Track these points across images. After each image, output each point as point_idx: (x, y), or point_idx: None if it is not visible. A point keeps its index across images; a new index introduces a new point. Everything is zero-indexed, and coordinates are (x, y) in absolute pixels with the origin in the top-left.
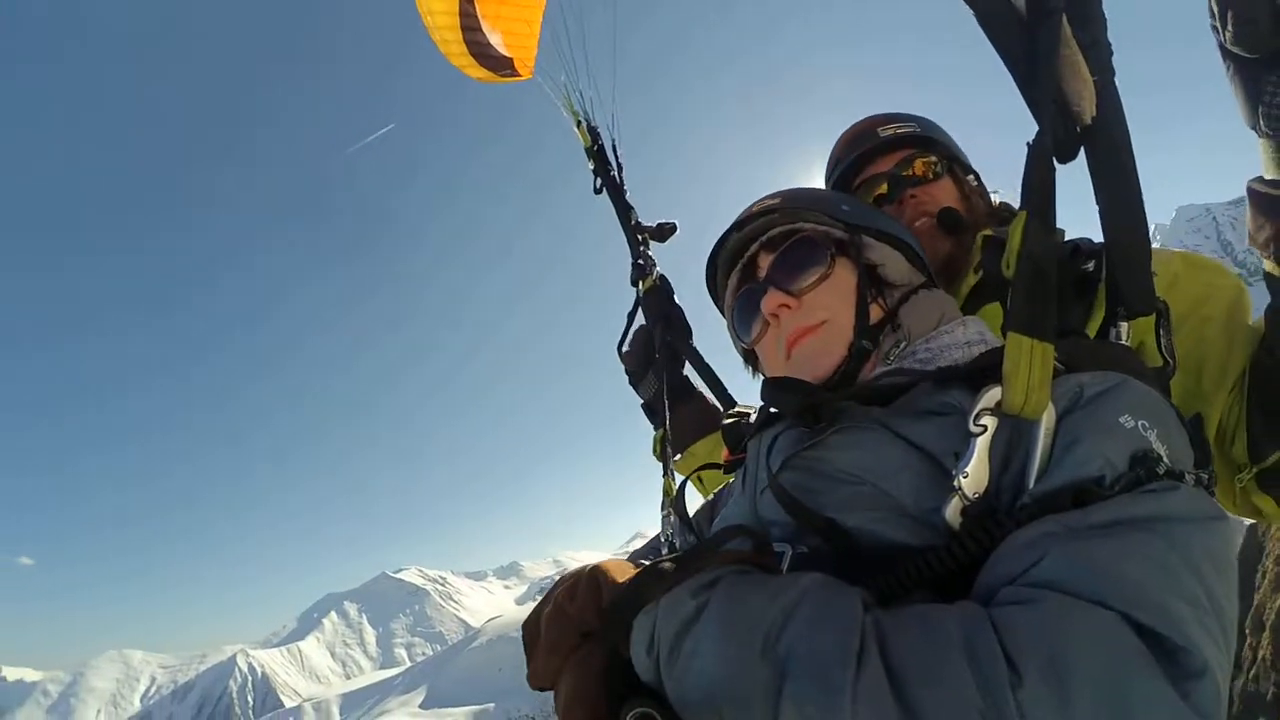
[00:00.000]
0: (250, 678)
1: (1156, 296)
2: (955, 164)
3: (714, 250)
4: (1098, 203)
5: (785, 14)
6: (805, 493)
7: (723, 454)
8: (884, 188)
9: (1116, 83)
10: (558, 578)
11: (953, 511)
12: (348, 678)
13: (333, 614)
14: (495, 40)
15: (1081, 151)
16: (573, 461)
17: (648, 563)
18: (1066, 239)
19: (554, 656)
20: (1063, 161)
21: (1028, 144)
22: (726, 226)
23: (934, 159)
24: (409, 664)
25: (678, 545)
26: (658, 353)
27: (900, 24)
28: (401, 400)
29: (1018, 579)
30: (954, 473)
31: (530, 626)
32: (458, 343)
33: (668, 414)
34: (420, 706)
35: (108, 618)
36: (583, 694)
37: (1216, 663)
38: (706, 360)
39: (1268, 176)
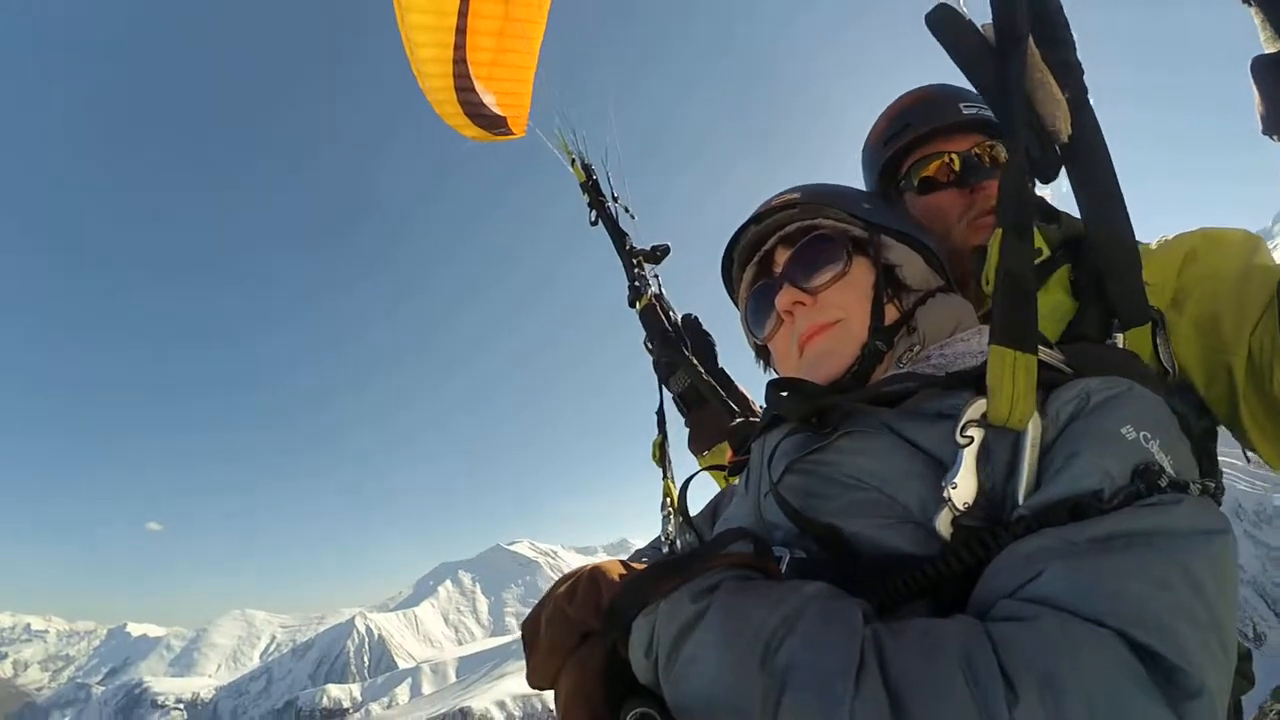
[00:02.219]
0: (367, 639)
1: (1149, 305)
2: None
3: (730, 242)
4: (1082, 218)
5: (780, 31)
6: (809, 497)
7: (727, 455)
8: (949, 163)
9: (1091, 101)
10: None
11: (943, 523)
12: (460, 643)
13: (448, 582)
14: (489, 100)
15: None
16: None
17: (648, 563)
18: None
19: (553, 656)
20: (1044, 181)
21: (1001, 163)
22: (744, 219)
23: (1001, 152)
24: (518, 634)
25: (678, 546)
26: (655, 367)
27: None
28: (520, 383)
29: (1015, 593)
30: (943, 484)
31: (530, 626)
32: (589, 329)
33: (664, 416)
34: None
35: (231, 581)
36: (582, 693)
37: (1215, 682)
38: (704, 373)
39: (1267, 50)
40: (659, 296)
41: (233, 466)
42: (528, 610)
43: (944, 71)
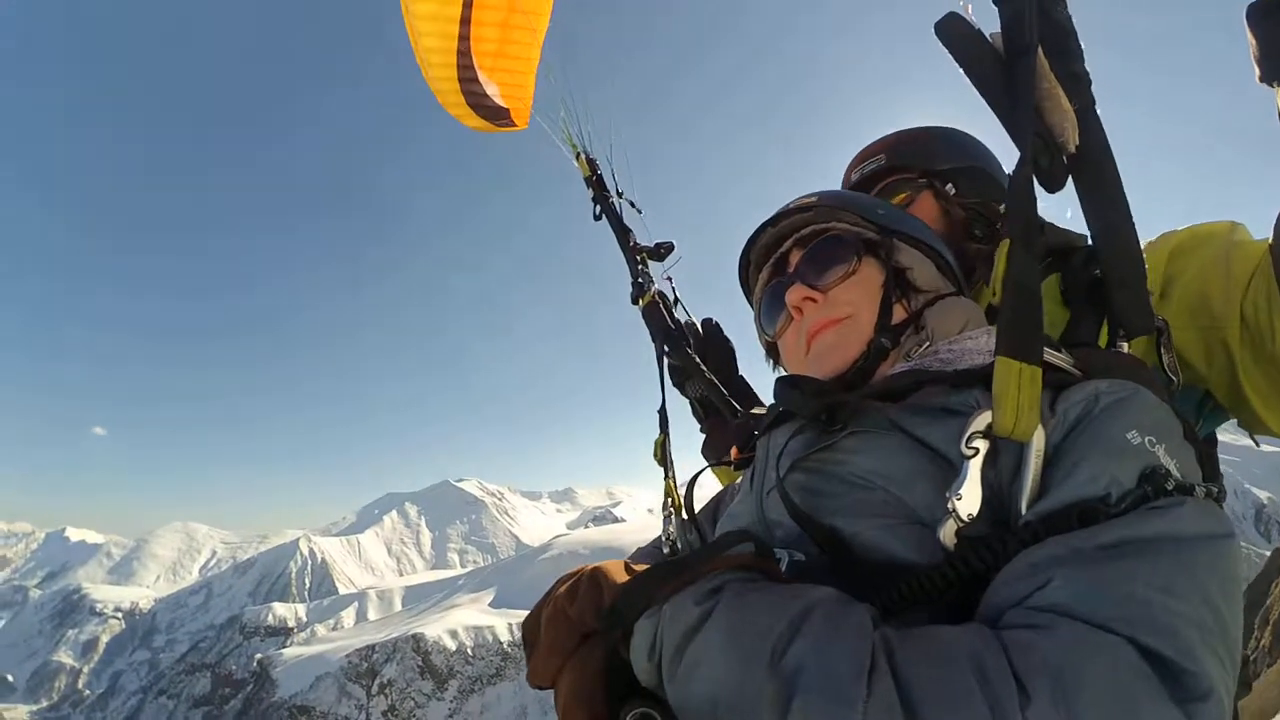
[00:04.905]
0: (310, 562)
1: (1154, 315)
2: (933, 177)
3: (747, 244)
4: (1089, 227)
5: (792, 30)
6: (813, 495)
7: (733, 453)
8: None
9: (1098, 111)
10: (609, 508)
11: (947, 533)
12: (401, 574)
13: (393, 512)
14: (492, 91)
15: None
16: (636, 396)
17: (649, 565)
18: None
19: (553, 657)
20: (1051, 191)
21: (1008, 175)
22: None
23: (904, 191)
24: (460, 569)
25: (679, 546)
26: (668, 368)
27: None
28: (487, 321)
29: (1024, 601)
30: (948, 495)
31: (530, 626)
32: (559, 272)
33: (666, 415)
34: (490, 605)
35: (173, 493)
36: (582, 694)
37: (1222, 684)
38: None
39: None
40: (662, 295)
41: (182, 377)
42: (470, 548)
43: (952, 78)
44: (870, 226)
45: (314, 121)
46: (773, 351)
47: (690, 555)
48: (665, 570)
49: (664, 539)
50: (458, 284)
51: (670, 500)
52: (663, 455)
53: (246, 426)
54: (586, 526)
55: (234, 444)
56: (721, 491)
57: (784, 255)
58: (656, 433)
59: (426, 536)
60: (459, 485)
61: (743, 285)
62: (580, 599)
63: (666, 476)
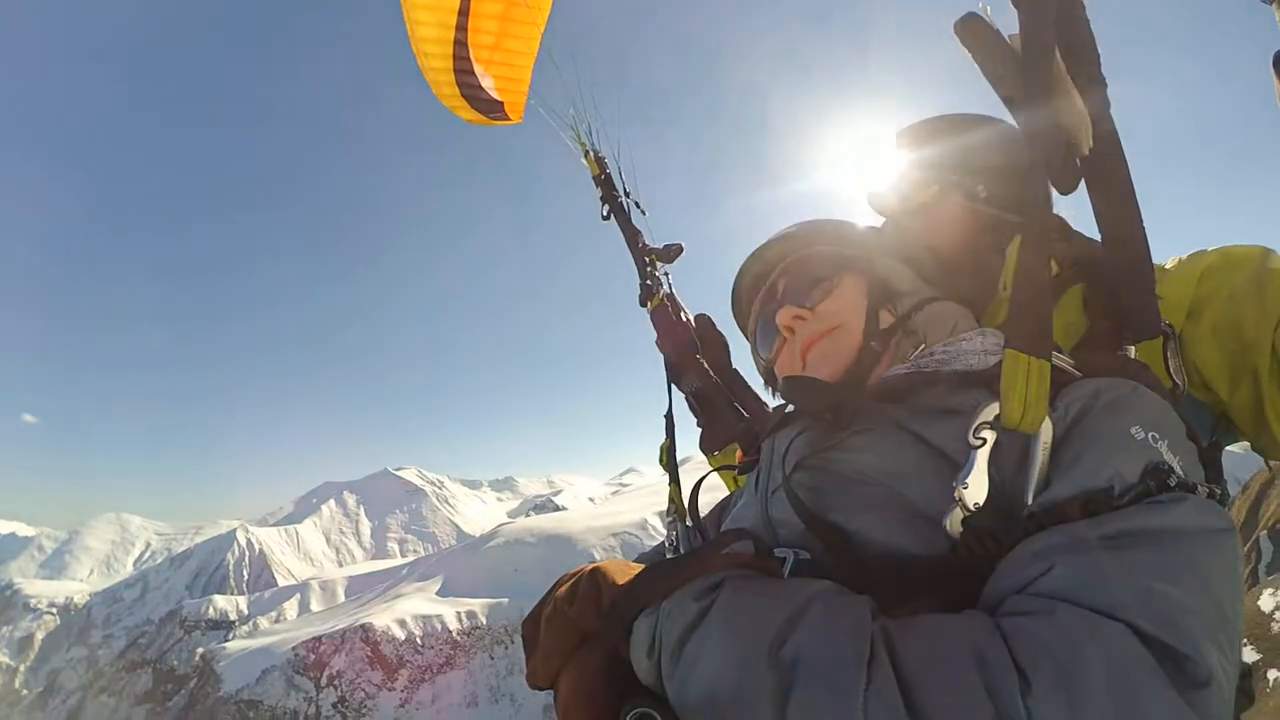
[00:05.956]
0: (248, 553)
1: (1161, 319)
2: (964, 174)
3: (736, 280)
4: (1099, 229)
5: (798, 29)
6: (817, 493)
7: (736, 456)
8: None
9: (1112, 114)
10: (549, 496)
11: (954, 522)
12: (340, 564)
13: (331, 501)
14: (487, 84)
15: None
16: (574, 387)
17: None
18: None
19: (553, 657)
20: (1064, 192)
21: (1024, 175)
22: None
23: (934, 188)
24: (400, 559)
25: (683, 550)
26: (666, 368)
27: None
28: (422, 305)
29: (1025, 589)
30: (954, 484)
31: (529, 626)
32: (497, 261)
33: (673, 420)
34: (437, 594)
35: (105, 483)
36: (582, 694)
37: (1223, 671)
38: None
39: None
40: (670, 297)
41: (113, 362)
42: (410, 537)
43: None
44: (846, 245)
45: (257, 118)
46: (771, 378)
47: (689, 554)
48: (664, 569)
49: (668, 543)
50: (396, 271)
51: (673, 505)
52: (669, 460)
53: (180, 414)
54: (528, 515)
55: (167, 433)
56: (726, 497)
57: (772, 285)
58: (599, 422)
59: (366, 526)
60: (398, 474)
61: (737, 321)
62: (580, 599)
63: (672, 481)
